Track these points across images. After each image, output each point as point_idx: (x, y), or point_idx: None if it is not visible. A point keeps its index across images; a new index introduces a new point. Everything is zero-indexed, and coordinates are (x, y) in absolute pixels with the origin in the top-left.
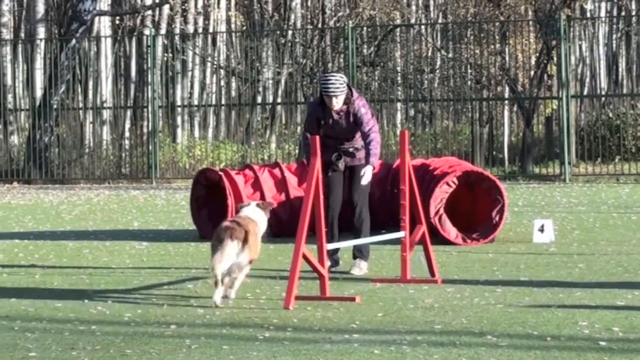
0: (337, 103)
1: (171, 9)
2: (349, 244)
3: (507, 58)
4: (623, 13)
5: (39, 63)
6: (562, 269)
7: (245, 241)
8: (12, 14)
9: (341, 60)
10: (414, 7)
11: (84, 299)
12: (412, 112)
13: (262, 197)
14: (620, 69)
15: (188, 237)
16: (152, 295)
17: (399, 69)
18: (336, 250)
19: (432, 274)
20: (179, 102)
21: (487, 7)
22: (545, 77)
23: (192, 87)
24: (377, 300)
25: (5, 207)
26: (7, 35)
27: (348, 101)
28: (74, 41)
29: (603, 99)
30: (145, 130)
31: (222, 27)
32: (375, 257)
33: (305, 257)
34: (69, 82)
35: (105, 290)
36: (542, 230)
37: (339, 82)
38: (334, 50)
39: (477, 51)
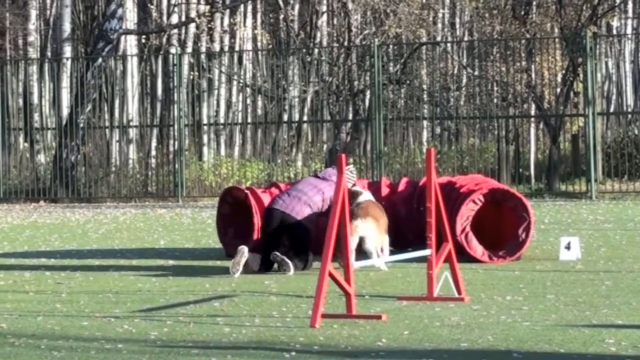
0: None
1: (197, 27)
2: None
3: (533, 75)
4: None
5: (65, 82)
6: (589, 287)
7: None
8: (38, 33)
9: (367, 78)
10: (440, 25)
11: (110, 318)
12: (438, 130)
13: None
14: None
15: (214, 255)
16: (178, 313)
17: (425, 86)
18: None
19: (459, 291)
20: (205, 121)
21: (513, 24)
22: (572, 94)
23: (218, 105)
24: (403, 318)
25: (32, 226)
26: (34, 54)
27: None
28: (100, 60)
29: (629, 116)
30: (171, 148)
31: (248, 46)
32: (402, 275)
33: (331, 276)
34: (96, 100)
35: (131, 308)
36: (568, 247)
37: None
38: (360, 68)
39: (503, 69)
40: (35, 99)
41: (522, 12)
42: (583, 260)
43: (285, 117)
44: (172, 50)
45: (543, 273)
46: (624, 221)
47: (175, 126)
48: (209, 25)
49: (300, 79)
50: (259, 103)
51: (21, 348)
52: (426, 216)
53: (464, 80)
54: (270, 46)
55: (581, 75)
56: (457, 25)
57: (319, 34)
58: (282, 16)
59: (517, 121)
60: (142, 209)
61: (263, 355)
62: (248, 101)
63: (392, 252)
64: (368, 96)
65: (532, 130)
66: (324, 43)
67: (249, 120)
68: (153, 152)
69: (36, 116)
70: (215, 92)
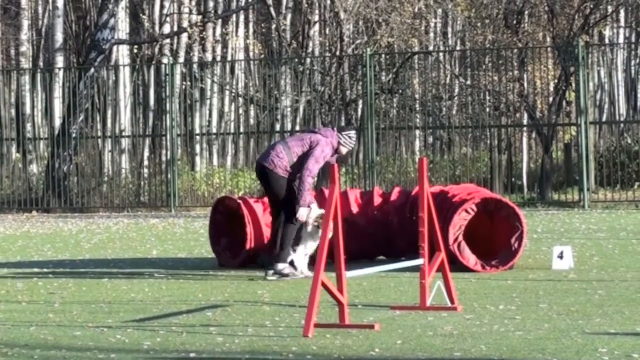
0: None
1: (189, 37)
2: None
3: (525, 85)
4: None
5: (57, 92)
6: (582, 296)
7: None
8: (30, 43)
9: (359, 87)
10: (432, 34)
11: (103, 328)
12: (430, 139)
13: None
14: (639, 95)
15: (207, 265)
16: (171, 323)
17: (417, 96)
18: None
19: (451, 301)
20: (197, 130)
21: (505, 33)
22: (564, 103)
23: (210, 115)
24: (396, 327)
25: (25, 236)
26: (26, 64)
27: None
28: (92, 70)
29: (622, 125)
30: (163, 158)
31: (241, 55)
32: (394, 285)
33: (324, 285)
34: (88, 110)
35: (124, 318)
36: (561, 256)
37: None
38: (352, 77)
39: (496, 78)
40: (27, 109)
41: (514, 22)
42: (576, 269)
43: (278, 127)
44: (165, 60)
45: (536, 282)
46: (617, 230)
47: (168, 136)
48: (201, 35)
49: (293, 88)
50: (252, 113)
51: (14, 358)
52: (419, 225)
53: (456, 90)
54: (263, 56)
55: (573, 85)
56: (449, 35)
57: (311, 44)
58: (274, 26)
59: (509, 130)
60: (135, 218)
61: None
62: (240, 111)
63: (384, 262)
64: (360, 106)
65: (525, 140)
66: (316, 52)
67: (242, 129)
68: (145, 162)
69: (28, 126)
70: (208, 101)
